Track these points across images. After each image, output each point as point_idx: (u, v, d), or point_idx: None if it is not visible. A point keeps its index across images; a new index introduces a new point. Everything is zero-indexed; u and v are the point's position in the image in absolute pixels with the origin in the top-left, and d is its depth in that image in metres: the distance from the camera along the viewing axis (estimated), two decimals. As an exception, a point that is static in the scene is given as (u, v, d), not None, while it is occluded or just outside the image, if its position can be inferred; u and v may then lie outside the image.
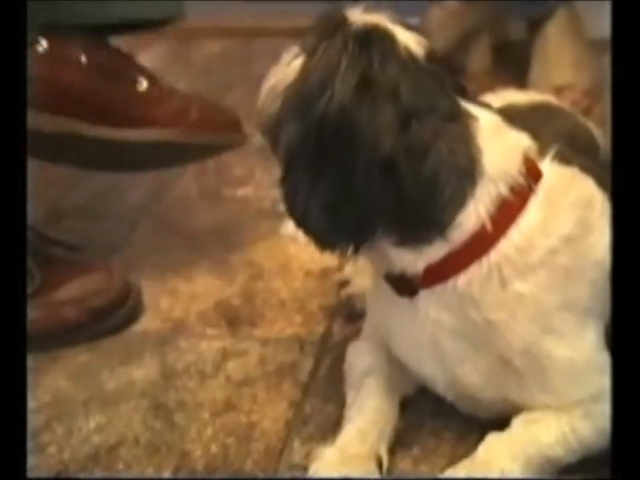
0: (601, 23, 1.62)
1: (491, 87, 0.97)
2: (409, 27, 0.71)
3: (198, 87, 1.72)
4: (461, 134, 0.68)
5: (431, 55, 0.70)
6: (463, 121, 0.69)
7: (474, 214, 0.68)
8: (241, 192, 1.31)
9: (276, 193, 1.27)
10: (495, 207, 0.69)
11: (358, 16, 0.70)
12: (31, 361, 0.93)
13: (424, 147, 0.67)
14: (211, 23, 2.00)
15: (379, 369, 0.82)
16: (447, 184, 0.67)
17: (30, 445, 0.83)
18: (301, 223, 0.70)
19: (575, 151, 0.77)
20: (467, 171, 0.68)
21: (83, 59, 1.03)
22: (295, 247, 1.14)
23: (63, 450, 0.82)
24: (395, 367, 0.81)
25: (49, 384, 0.92)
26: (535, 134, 0.73)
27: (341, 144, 0.67)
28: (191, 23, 2.00)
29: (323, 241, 0.70)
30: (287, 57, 0.73)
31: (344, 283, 1.03)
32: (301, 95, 0.69)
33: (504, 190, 0.69)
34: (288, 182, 0.70)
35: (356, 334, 0.90)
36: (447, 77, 0.70)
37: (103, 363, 0.95)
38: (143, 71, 1.10)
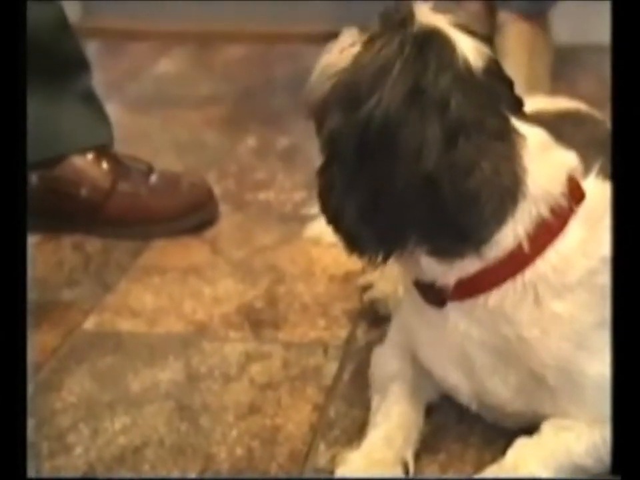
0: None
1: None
2: (474, 34, 0.69)
3: (219, 91, 1.73)
4: (507, 153, 0.67)
5: (490, 67, 0.69)
6: (510, 140, 0.68)
7: (511, 233, 0.68)
8: (263, 196, 1.32)
9: (298, 197, 1.30)
10: (533, 227, 0.68)
11: (422, 14, 0.69)
12: (55, 362, 0.96)
13: (468, 164, 0.66)
14: (233, 28, 2.01)
15: (405, 374, 0.82)
16: (488, 202, 0.66)
17: (56, 445, 0.83)
18: (332, 220, 0.70)
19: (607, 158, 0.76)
20: (510, 191, 0.67)
21: None
22: (317, 250, 1.14)
23: (89, 451, 0.83)
24: (420, 372, 0.81)
25: (74, 385, 0.92)
26: (566, 141, 0.73)
27: (383, 151, 0.66)
28: (212, 27, 2.03)
29: (354, 243, 0.70)
30: (344, 37, 0.71)
31: (367, 287, 1.03)
32: (350, 87, 0.68)
33: (544, 211, 0.68)
34: (326, 175, 0.69)
35: (380, 338, 0.90)
36: (501, 92, 0.69)
37: (128, 365, 0.95)
38: None
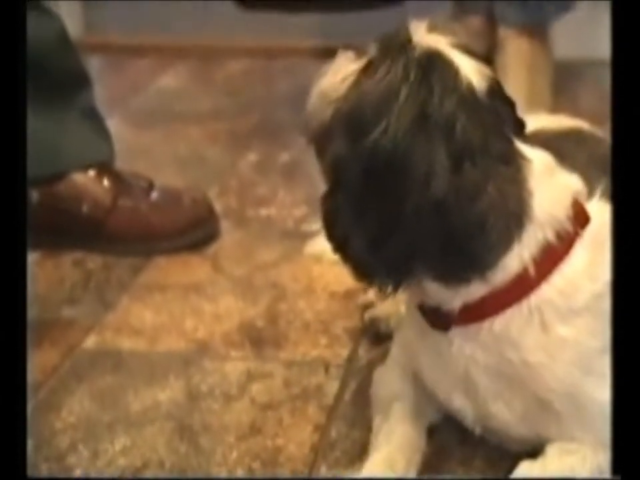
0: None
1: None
2: (474, 54, 0.69)
3: (220, 106, 1.73)
4: (512, 176, 0.67)
5: (492, 88, 0.68)
6: (515, 163, 0.67)
7: (517, 258, 0.67)
8: (264, 212, 1.31)
9: (299, 213, 1.30)
10: (539, 252, 0.68)
11: (421, 36, 0.68)
12: (55, 381, 0.95)
13: (474, 189, 0.65)
14: (233, 43, 2.01)
15: (407, 395, 0.81)
16: (495, 227, 0.66)
17: (56, 467, 0.83)
18: (339, 248, 0.69)
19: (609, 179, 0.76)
20: (516, 215, 0.67)
21: None
22: (318, 267, 1.14)
23: (89, 472, 0.82)
24: (422, 392, 0.80)
25: (74, 405, 0.91)
26: (568, 161, 0.72)
27: (391, 179, 0.65)
28: (213, 42, 2.03)
29: (363, 272, 0.69)
30: (340, 60, 0.71)
31: (368, 305, 1.03)
32: (354, 113, 0.67)
33: (550, 235, 0.68)
34: (331, 202, 0.68)
35: (381, 357, 0.90)
36: (504, 114, 0.69)
37: (128, 384, 0.94)
38: None
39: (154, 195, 1.23)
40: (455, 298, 0.69)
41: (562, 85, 1.61)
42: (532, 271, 0.68)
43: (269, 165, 1.47)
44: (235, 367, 0.97)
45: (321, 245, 1.07)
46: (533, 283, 0.68)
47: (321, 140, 0.70)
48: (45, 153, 1.18)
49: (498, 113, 0.68)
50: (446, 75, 0.66)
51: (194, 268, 1.17)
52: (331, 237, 0.69)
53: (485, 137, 0.66)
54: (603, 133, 0.90)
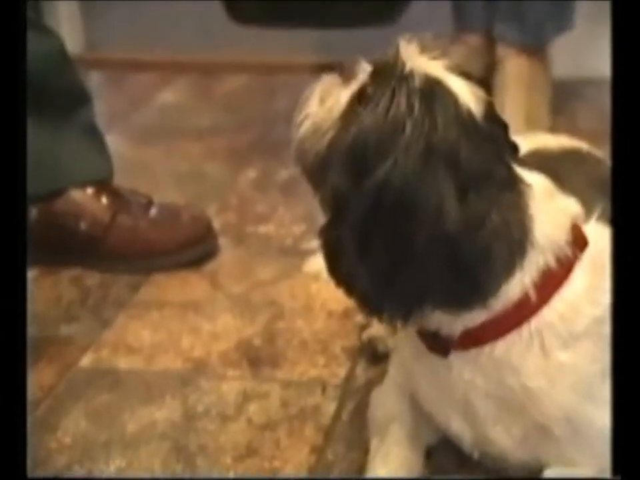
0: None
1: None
2: (467, 74, 0.68)
3: (220, 122, 1.74)
4: (515, 202, 0.66)
5: (488, 112, 0.67)
6: (517, 189, 0.67)
7: (519, 283, 0.67)
8: (263, 229, 1.31)
9: (298, 230, 1.29)
10: (539, 277, 0.67)
11: (416, 60, 0.67)
12: (51, 400, 0.95)
13: (479, 218, 0.64)
14: (233, 59, 2.02)
15: (404, 416, 0.80)
16: (498, 256, 0.65)
17: (51, 488, 0.82)
18: (344, 284, 0.68)
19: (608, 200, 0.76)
20: (519, 242, 0.66)
21: None
22: (317, 285, 1.13)
23: (84, 494, 0.82)
24: (419, 415, 0.80)
25: (70, 425, 0.91)
26: (566, 182, 0.72)
27: (401, 215, 0.64)
28: (212, 58, 2.04)
29: (372, 306, 0.68)
30: (325, 85, 0.70)
31: (366, 325, 1.02)
32: (356, 148, 0.66)
33: (550, 260, 0.68)
34: (332, 236, 0.67)
35: (379, 377, 0.89)
36: (500, 138, 0.69)
37: (125, 403, 0.94)
38: None
39: (153, 211, 1.23)
40: (456, 323, 0.69)
41: (560, 104, 1.61)
42: (533, 295, 0.67)
43: (268, 182, 1.47)
44: (232, 386, 0.96)
45: (320, 263, 1.07)
46: (534, 307, 0.68)
47: (316, 171, 0.69)
48: (43, 170, 1.18)
49: (496, 138, 0.68)
50: (447, 104, 0.65)
51: (192, 285, 1.17)
52: (334, 272, 0.68)
53: (487, 164, 0.66)
54: (602, 153, 0.90)
